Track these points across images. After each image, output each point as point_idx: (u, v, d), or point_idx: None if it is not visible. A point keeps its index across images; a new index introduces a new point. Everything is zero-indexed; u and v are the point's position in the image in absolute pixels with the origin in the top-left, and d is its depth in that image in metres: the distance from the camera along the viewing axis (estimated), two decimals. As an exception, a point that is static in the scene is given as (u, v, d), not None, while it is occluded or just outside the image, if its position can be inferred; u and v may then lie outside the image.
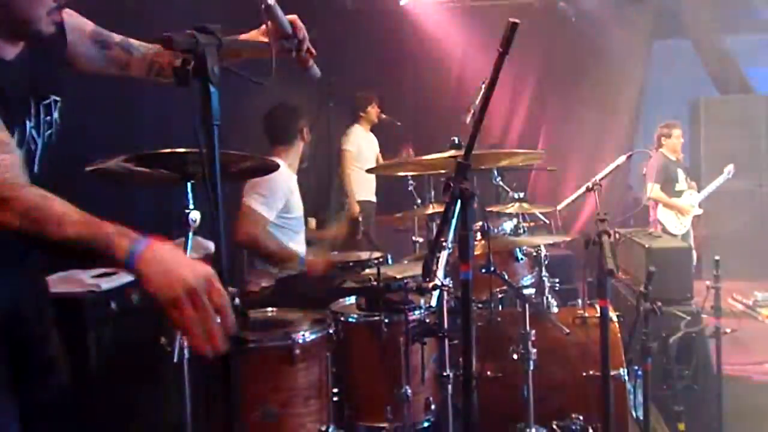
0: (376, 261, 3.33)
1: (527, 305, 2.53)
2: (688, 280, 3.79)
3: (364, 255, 3.58)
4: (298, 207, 3.37)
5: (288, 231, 3.32)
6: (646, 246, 3.90)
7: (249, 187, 3.13)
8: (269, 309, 2.65)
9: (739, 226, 7.03)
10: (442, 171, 2.58)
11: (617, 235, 4.52)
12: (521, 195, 3.29)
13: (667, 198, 5.91)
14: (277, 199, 3.18)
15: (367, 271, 3.03)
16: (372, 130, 5.61)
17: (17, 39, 1.59)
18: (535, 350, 2.50)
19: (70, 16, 1.73)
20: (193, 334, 1.15)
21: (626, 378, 2.63)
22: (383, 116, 5.48)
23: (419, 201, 4.03)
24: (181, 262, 1.19)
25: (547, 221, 3.86)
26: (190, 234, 1.81)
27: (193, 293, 1.14)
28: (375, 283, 2.44)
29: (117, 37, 1.86)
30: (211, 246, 3.36)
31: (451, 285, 2.24)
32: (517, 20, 1.43)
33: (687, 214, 5.94)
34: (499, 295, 3.03)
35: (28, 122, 1.59)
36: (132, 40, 1.88)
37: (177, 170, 1.89)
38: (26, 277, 1.79)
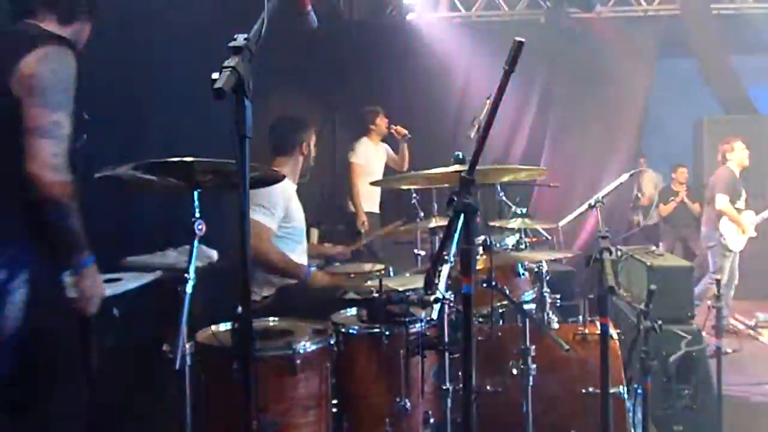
0: (377, 273, 3.34)
1: (528, 320, 2.54)
2: (689, 298, 3.79)
3: (367, 267, 3.59)
4: (298, 216, 3.38)
5: (289, 241, 3.33)
6: (648, 264, 3.90)
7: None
8: (270, 319, 2.66)
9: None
10: (446, 185, 2.60)
11: (619, 253, 4.52)
12: (524, 210, 3.31)
13: (734, 212, 5.83)
14: (278, 209, 3.21)
15: (369, 283, 3.04)
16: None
17: None
18: (534, 366, 2.51)
19: None
20: None
21: (626, 396, 2.63)
22: (395, 127, 5.50)
23: (422, 214, 4.04)
24: None
25: (549, 237, 3.87)
26: (196, 242, 1.82)
27: None
28: (376, 295, 2.45)
29: None
30: (213, 254, 3.38)
31: (452, 298, 2.25)
32: (523, 39, 1.45)
33: (746, 233, 5.88)
34: (500, 310, 3.03)
35: None
36: None
37: (185, 179, 1.91)
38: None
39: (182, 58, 3.49)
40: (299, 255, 3.40)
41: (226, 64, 1.24)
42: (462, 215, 1.56)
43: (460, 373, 1.61)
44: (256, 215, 3.12)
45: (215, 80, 1.21)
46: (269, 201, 3.14)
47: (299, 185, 3.52)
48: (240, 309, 1.24)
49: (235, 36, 1.29)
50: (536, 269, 3.09)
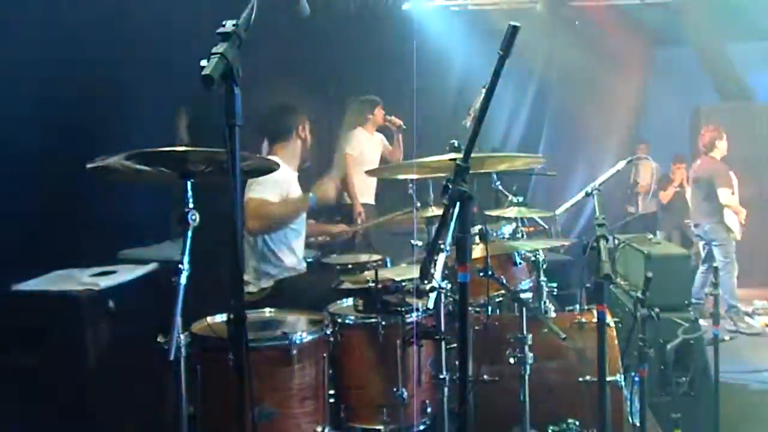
0: (374, 263, 3.33)
1: (525, 309, 2.53)
2: (686, 286, 3.79)
3: (363, 257, 3.58)
4: None
5: (288, 230, 3.32)
6: (645, 252, 3.90)
7: (248, 184, 3.13)
8: (267, 310, 2.65)
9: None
10: (442, 174, 2.59)
11: (616, 241, 4.52)
12: (520, 199, 3.29)
13: (735, 202, 5.94)
14: (278, 188, 3.19)
15: (365, 273, 3.04)
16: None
17: None
18: (531, 354, 2.50)
19: None
20: None
21: (623, 384, 2.62)
22: (389, 118, 5.48)
23: (418, 204, 4.02)
24: None
25: (546, 226, 3.85)
26: (189, 233, 1.81)
27: None
28: (373, 285, 2.44)
29: None
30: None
31: (448, 287, 2.24)
32: (517, 23, 1.43)
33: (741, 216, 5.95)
34: (497, 299, 3.02)
35: None
36: None
37: (177, 169, 1.89)
38: None
39: (175, 49, 3.48)
40: (298, 245, 3.39)
41: (214, 50, 1.21)
42: (458, 203, 1.55)
43: (456, 363, 1.60)
44: (255, 194, 3.10)
45: (204, 67, 1.19)
46: (268, 180, 3.13)
47: (300, 173, 3.50)
48: (232, 300, 1.23)
49: (224, 22, 1.26)
50: (533, 258, 3.08)
